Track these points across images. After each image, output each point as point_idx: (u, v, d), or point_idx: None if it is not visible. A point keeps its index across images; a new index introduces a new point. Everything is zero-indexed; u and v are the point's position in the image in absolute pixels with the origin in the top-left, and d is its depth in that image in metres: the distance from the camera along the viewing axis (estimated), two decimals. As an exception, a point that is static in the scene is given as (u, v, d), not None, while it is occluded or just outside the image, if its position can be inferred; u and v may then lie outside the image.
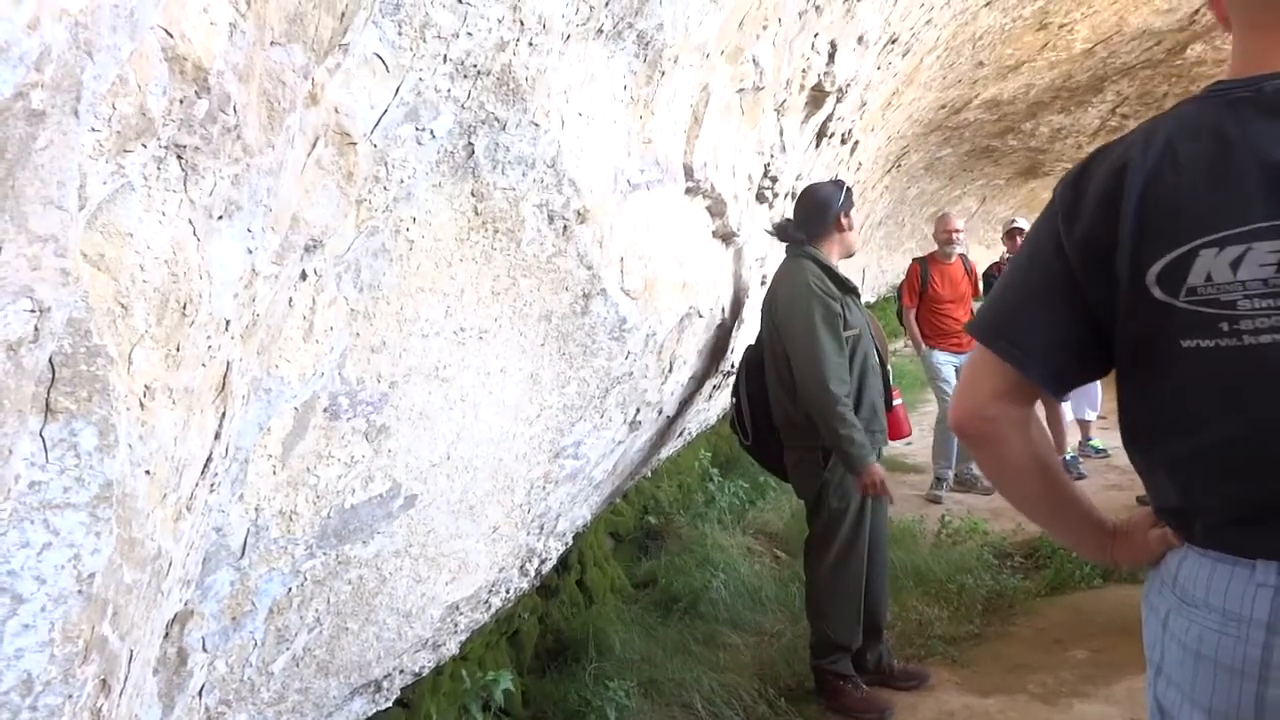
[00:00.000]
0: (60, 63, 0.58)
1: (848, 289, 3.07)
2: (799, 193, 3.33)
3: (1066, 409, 6.02)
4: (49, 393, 0.65)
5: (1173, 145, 1.05)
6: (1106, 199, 1.08)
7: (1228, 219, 0.99)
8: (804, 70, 3.14)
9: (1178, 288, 1.02)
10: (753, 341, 3.32)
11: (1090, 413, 6.51)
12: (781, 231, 3.21)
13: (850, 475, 2.96)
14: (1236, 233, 0.98)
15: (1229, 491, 1.05)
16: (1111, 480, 5.80)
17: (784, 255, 3.24)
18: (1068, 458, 5.98)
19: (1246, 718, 1.01)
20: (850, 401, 2.92)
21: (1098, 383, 6.44)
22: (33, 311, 0.60)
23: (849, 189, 3.26)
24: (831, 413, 2.87)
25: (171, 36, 0.69)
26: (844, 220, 3.16)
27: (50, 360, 0.65)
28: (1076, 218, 1.11)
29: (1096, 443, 6.48)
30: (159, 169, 0.73)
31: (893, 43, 4.36)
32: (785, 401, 3.05)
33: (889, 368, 3.96)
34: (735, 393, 3.33)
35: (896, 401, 3.96)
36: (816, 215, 3.17)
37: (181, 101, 0.72)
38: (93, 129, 0.64)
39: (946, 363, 5.69)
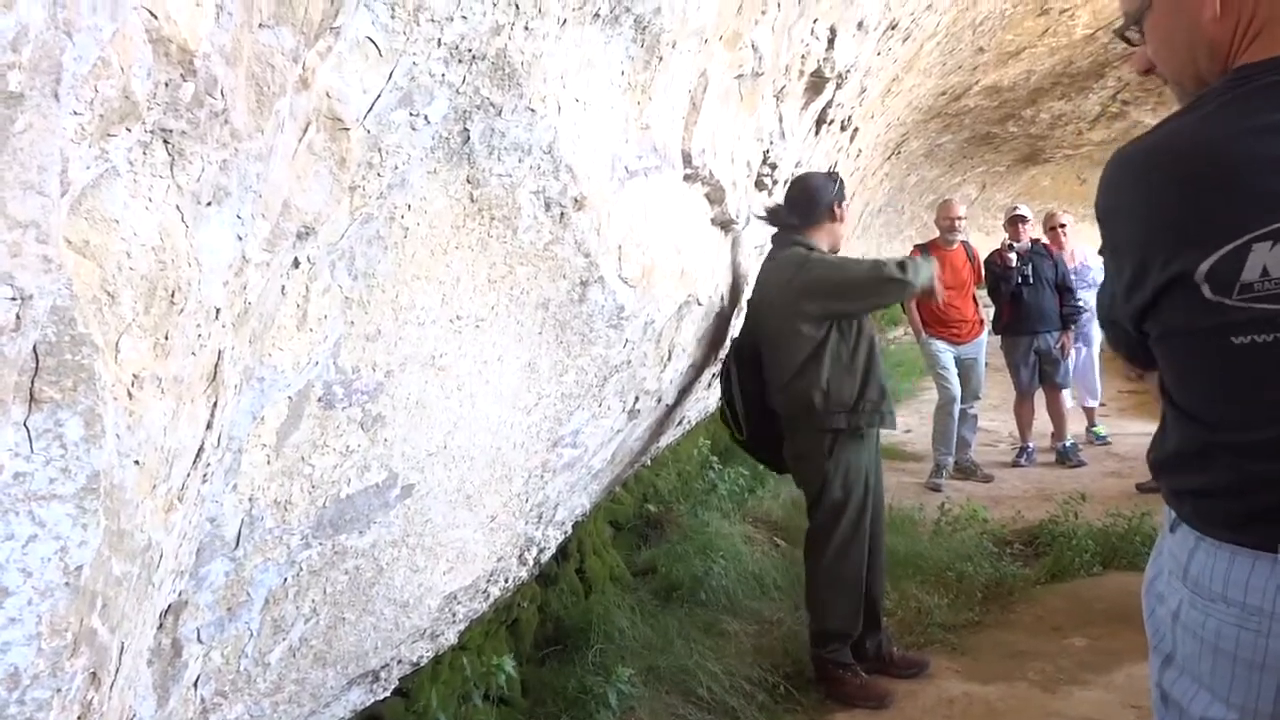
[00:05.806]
0: (38, 43, 0.56)
1: None
2: (791, 180, 3.25)
3: (1067, 396, 6.01)
4: (32, 382, 0.63)
5: (1201, 146, 1.03)
6: (1134, 208, 1.08)
7: (1277, 210, 0.97)
8: (803, 56, 3.11)
9: (1230, 285, 1.00)
10: (736, 335, 3.21)
11: (1091, 400, 6.50)
12: (774, 215, 3.09)
13: (848, 453, 2.98)
14: None
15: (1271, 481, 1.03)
16: (1110, 468, 5.81)
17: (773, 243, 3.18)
18: (1067, 445, 5.98)
19: (1266, 710, 1.02)
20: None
21: (1097, 370, 6.47)
22: (14, 299, 0.59)
23: (842, 180, 3.24)
24: (883, 272, 2.94)
25: (155, 17, 0.67)
26: (838, 210, 3.13)
27: (34, 349, 0.63)
28: (1111, 226, 1.14)
29: (1100, 429, 6.49)
30: (145, 154, 0.71)
31: (893, 28, 4.32)
32: (791, 389, 3.02)
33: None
34: (726, 388, 3.24)
35: None
36: (809, 203, 3.11)
37: (167, 84, 0.70)
38: (74, 112, 0.63)
39: (945, 351, 5.68)
